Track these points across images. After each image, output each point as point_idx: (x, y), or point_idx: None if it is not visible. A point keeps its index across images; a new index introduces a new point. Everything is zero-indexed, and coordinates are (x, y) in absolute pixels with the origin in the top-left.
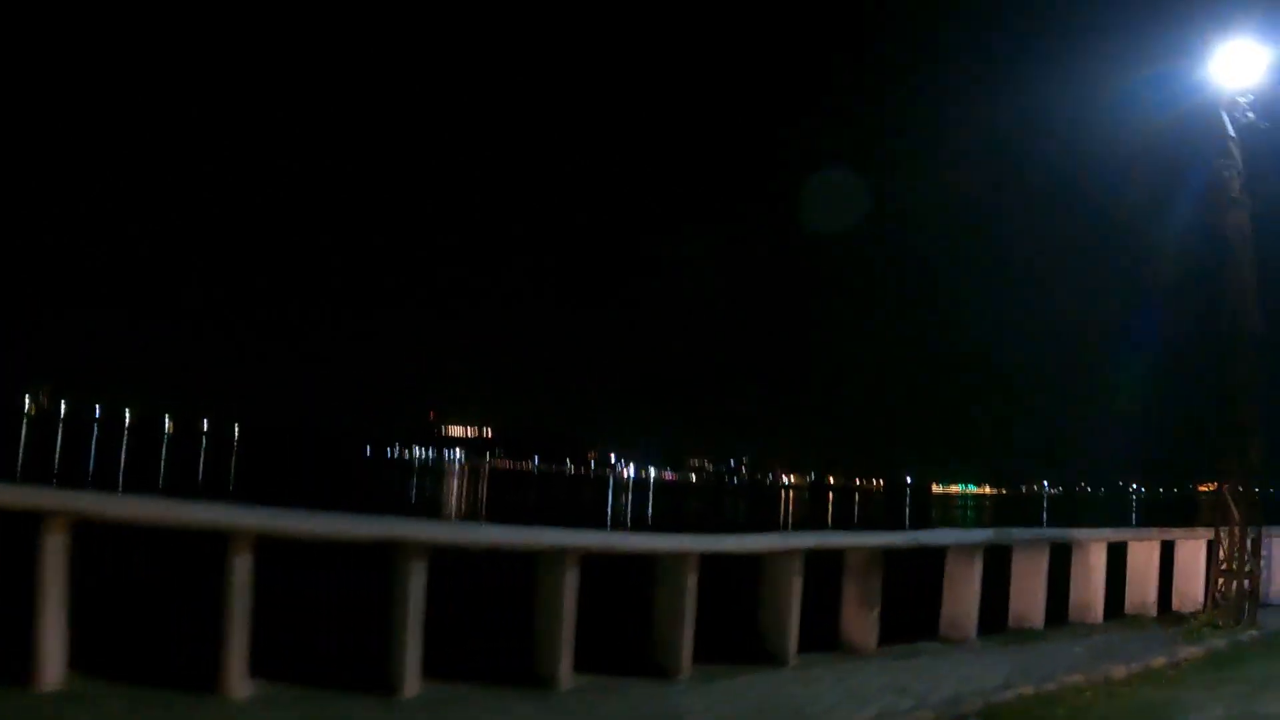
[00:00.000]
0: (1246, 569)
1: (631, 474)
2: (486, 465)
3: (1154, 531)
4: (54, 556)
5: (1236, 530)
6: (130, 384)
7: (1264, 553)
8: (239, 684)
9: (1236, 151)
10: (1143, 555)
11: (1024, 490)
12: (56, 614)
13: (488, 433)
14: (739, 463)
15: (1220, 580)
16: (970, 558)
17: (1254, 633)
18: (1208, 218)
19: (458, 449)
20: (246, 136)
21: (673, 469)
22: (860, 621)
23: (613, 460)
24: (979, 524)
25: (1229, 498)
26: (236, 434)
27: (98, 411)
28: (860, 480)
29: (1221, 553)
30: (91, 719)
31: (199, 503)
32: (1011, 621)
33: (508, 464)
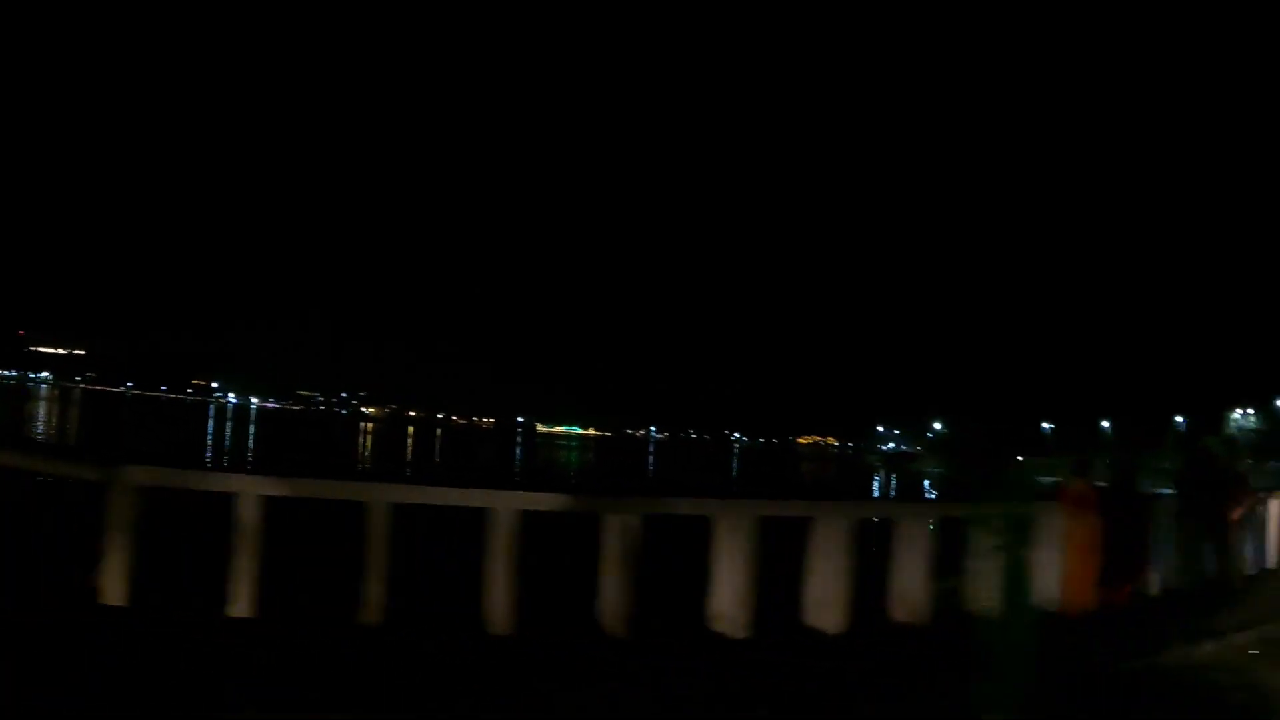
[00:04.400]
0: None
1: (233, 401)
2: (78, 388)
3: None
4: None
5: None
6: None
7: None
8: None
9: None
10: None
11: (631, 434)
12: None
13: (81, 353)
14: (351, 395)
15: None
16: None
17: None
18: None
19: (46, 371)
20: None
21: (278, 399)
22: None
23: (214, 387)
24: (581, 467)
25: None
26: None
27: None
28: (462, 418)
29: None
30: None
31: None
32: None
33: (99, 387)
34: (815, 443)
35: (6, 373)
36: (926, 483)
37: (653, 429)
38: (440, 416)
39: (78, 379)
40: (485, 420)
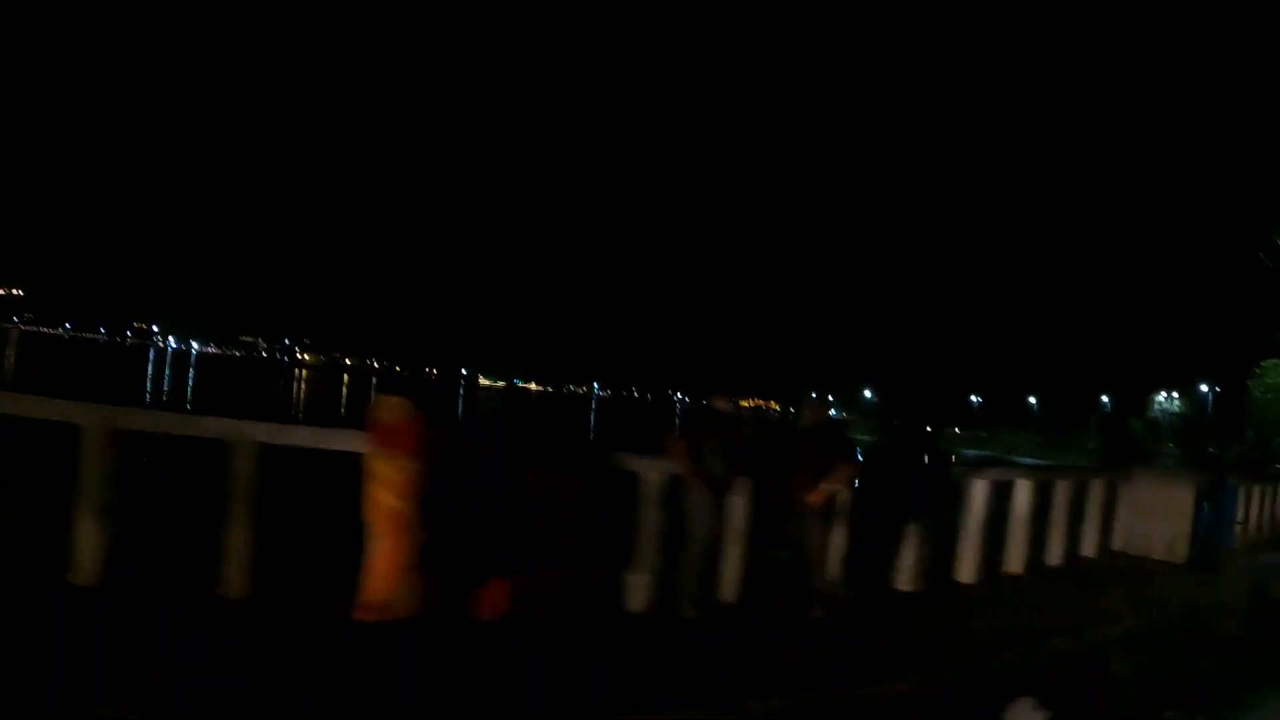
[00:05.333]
0: None
1: (172, 346)
2: (15, 329)
3: None
4: None
5: None
6: None
7: None
8: None
9: None
10: None
11: (573, 390)
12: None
13: (17, 292)
14: (294, 343)
15: None
16: None
17: None
18: None
19: None
20: None
21: (219, 344)
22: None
23: (154, 331)
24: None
25: None
26: None
27: None
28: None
29: None
30: None
31: None
32: None
33: (36, 329)
34: (757, 406)
35: None
36: (858, 450)
37: (596, 386)
38: (377, 365)
39: (15, 320)
40: (430, 370)
